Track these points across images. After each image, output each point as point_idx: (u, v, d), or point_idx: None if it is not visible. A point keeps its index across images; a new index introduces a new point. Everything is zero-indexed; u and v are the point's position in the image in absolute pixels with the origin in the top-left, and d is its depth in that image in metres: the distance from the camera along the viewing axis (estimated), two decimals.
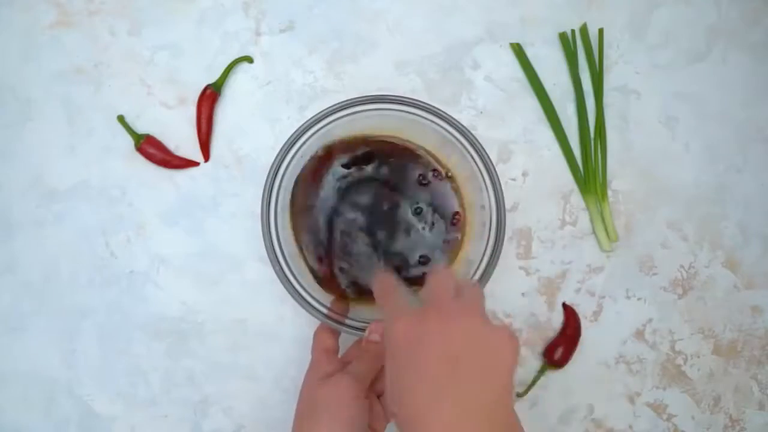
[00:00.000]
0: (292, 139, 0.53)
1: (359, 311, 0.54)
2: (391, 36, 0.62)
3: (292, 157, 0.53)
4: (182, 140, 0.61)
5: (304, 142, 0.53)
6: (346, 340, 0.59)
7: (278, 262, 0.52)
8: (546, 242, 0.61)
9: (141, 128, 0.61)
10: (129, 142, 0.60)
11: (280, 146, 0.53)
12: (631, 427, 0.60)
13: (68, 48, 0.61)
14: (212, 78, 0.61)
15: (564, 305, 0.60)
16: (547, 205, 0.61)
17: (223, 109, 0.61)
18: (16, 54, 0.61)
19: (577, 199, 0.61)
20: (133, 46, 0.61)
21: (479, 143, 0.53)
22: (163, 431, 0.59)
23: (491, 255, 0.53)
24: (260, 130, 0.61)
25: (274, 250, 0.52)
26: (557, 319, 0.60)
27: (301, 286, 0.52)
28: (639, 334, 0.60)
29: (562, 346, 0.59)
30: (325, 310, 0.52)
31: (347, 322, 0.52)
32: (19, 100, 0.61)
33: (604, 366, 0.60)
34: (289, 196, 0.55)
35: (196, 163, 0.61)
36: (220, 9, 0.62)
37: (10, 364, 0.60)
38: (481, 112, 0.61)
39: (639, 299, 0.61)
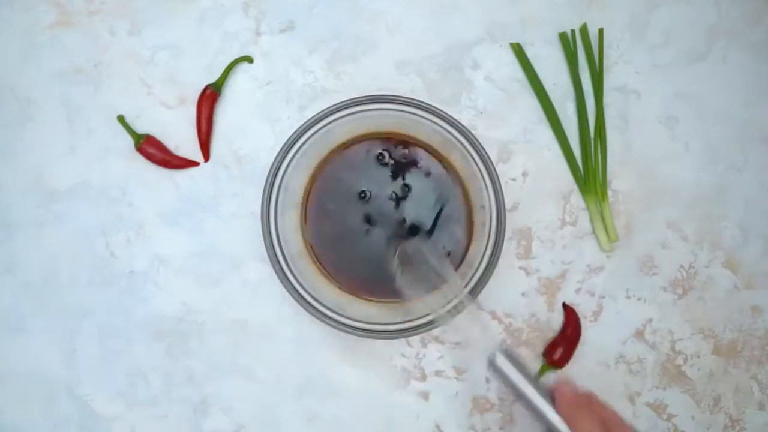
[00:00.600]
0: (292, 139, 0.53)
1: (362, 311, 0.54)
2: (391, 36, 0.62)
3: (292, 157, 0.53)
4: (182, 140, 0.61)
5: (305, 142, 0.53)
6: (346, 339, 0.60)
7: (278, 262, 0.52)
8: (546, 242, 0.61)
9: (141, 128, 0.61)
10: (129, 142, 0.60)
11: (280, 146, 0.53)
12: (631, 427, 0.60)
13: (68, 48, 0.61)
14: (212, 78, 0.61)
15: (564, 305, 0.60)
16: (547, 205, 0.61)
17: (223, 109, 0.61)
18: (16, 54, 0.61)
19: (577, 199, 0.61)
20: (133, 46, 0.61)
21: (479, 143, 0.53)
22: (163, 431, 0.59)
23: (491, 255, 0.53)
24: (260, 130, 0.61)
25: (274, 250, 0.52)
26: (557, 319, 0.60)
27: (301, 286, 0.52)
28: (639, 334, 0.60)
29: (562, 346, 0.59)
30: (325, 310, 0.52)
31: (346, 321, 0.52)
32: (19, 100, 0.61)
33: (604, 366, 0.60)
34: (301, 195, 0.55)
35: (196, 163, 0.61)
36: (220, 9, 0.62)
37: (10, 364, 0.60)
38: (481, 112, 0.61)
39: (639, 299, 0.61)
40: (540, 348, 0.60)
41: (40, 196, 0.60)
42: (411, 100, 0.53)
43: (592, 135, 0.61)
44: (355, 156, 0.57)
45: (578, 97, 0.61)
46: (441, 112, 0.53)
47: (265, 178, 0.53)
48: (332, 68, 0.61)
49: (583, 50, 0.61)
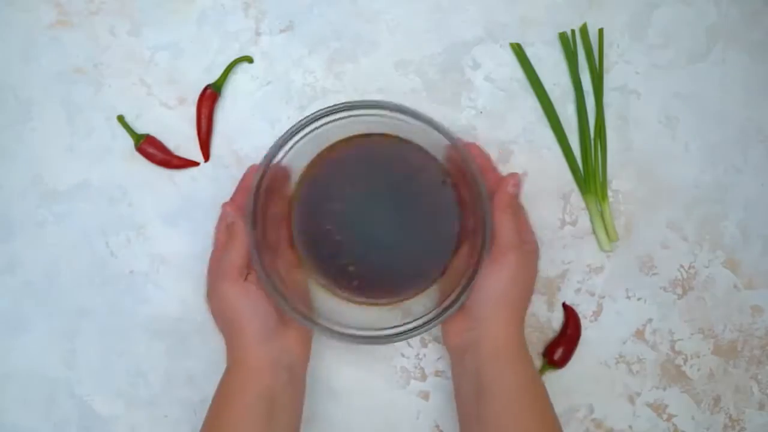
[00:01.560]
0: (286, 136, 0.52)
1: (350, 315, 0.54)
2: (391, 36, 0.62)
3: (282, 157, 0.52)
4: (182, 140, 0.61)
5: (296, 142, 0.52)
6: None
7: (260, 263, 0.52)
8: (546, 242, 0.60)
9: (141, 128, 0.61)
10: (129, 142, 0.60)
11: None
12: (631, 427, 0.60)
13: (68, 48, 0.61)
14: (212, 78, 0.61)
15: (564, 305, 0.60)
16: (547, 205, 0.61)
17: (223, 109, 0.61)
18: (16, 54, 0.61)
19: (577, 199, 0.61)
20: (133, 46, 0.61)
21: (474, 163, 0.51)
22: (163, 431, 0.59)
23: None
24: (260, 130, 0.61)
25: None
26: (557, 319, 0.60)
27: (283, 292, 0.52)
28: (639, 334, 0.60)
29: (562, 346, 0.59)
30: (322, 321, 0.52)
31: (338, 329, 0.51)
32: (19, 100, 0.61)
33: (604, 366, 0.60)
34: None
35: (196, 163, 0.61)
36: (220, 9, 0.62)
37: (10, 364, 0.60)
38: (481, 112, 0.61)
39: (639, 299, 0.61)
40: (540, 348, 0.60)
41: (40, 196, 0.60)
42: (407, 109, 0.51)
43: (592, 135, 0.61)
44: (347, 156, 0.56)
45: (578, 97, 0.61)
46: (437, 124, 0.51)
47: None
48: (332, 68, 0.61)
49: (583, 50, 0.61)
